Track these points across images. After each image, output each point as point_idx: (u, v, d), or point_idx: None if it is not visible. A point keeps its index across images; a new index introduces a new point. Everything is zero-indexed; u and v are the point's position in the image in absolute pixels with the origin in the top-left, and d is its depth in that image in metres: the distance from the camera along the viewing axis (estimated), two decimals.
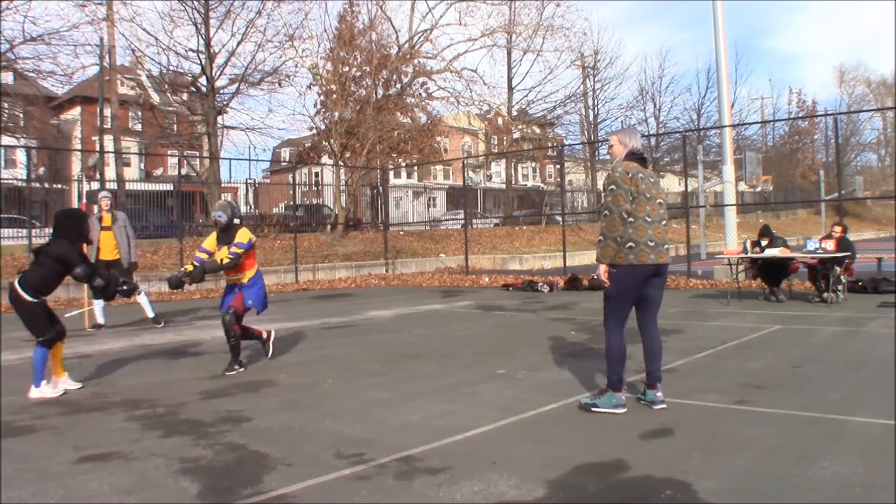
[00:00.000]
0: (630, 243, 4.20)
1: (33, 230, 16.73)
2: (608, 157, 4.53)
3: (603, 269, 4.29)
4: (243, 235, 6.15)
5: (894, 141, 59.08)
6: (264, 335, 6.62)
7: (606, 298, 4.39)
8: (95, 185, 24.63)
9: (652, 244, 4.23)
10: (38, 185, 27.80)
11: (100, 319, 9.31)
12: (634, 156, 4.41)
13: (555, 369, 5.78)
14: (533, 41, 31.60)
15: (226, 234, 6.18)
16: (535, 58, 32.87)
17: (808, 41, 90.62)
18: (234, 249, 6.04)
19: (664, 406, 4.36)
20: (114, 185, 24.97)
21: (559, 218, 23.73)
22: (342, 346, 7.49)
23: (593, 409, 4.32)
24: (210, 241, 6.28)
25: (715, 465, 3.30)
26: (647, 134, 40.47)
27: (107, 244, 9.04)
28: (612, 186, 4.26)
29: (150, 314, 9.44)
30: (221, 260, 6.07)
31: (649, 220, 4.25)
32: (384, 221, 23.41)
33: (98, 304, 9.25)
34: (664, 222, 4.42)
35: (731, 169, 14.76)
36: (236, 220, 6.23)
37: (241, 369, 6.06)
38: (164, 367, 6.37)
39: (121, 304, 11.79)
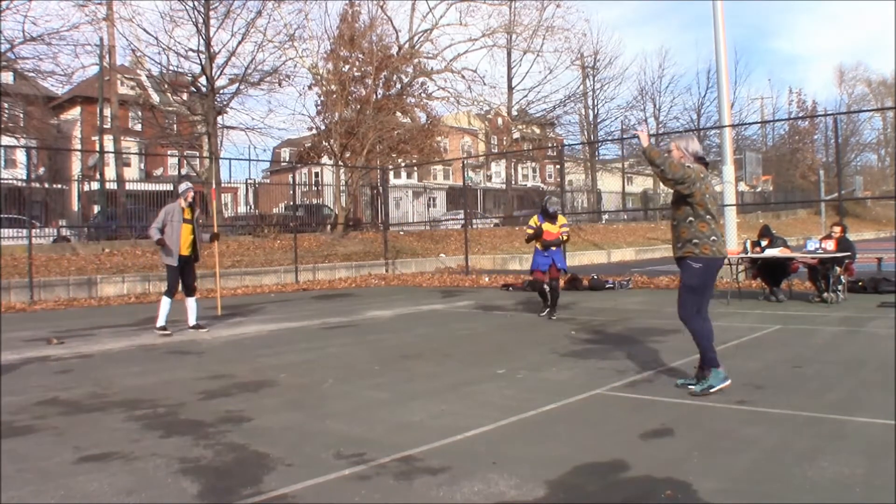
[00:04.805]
0: (713, 237, 4.67)
1: (33, 230, 16.71)
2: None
3: (644, 135, 4.73)
4: (564, 219, 9.53)
5: (894, 141, 59.10)
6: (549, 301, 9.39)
7: (691, 290, 4.72)
8: (95, 185, 24.61)
9: (723, 240, 4.85)
10: (38, 185, 27.80)
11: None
12: (699, 160, 4.75)
13: (555, 369, 5.78)
14: (533, 41, 31.69)
15: (550, 217, 9.20)
16: (535, 58, 32.98)
17: (808, 42, 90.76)
18: (565, 229, 9.35)
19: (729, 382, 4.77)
20: (114, 185, 24.99)
21: None
22: (342, 346, 7.49)
23: (711, 391, 4.65)
24: (534, 220, 9.33)
25: (715, 465, 3.30)
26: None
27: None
28: (693, 175, 4.59)
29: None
30: (560, 236, 9.24)
31: (716, 218, 4.80)
32: (384, 221, 23.41)
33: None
34: None
35: (731, 169, 14.73)
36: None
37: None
38: (165, 367, 6.37)
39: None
